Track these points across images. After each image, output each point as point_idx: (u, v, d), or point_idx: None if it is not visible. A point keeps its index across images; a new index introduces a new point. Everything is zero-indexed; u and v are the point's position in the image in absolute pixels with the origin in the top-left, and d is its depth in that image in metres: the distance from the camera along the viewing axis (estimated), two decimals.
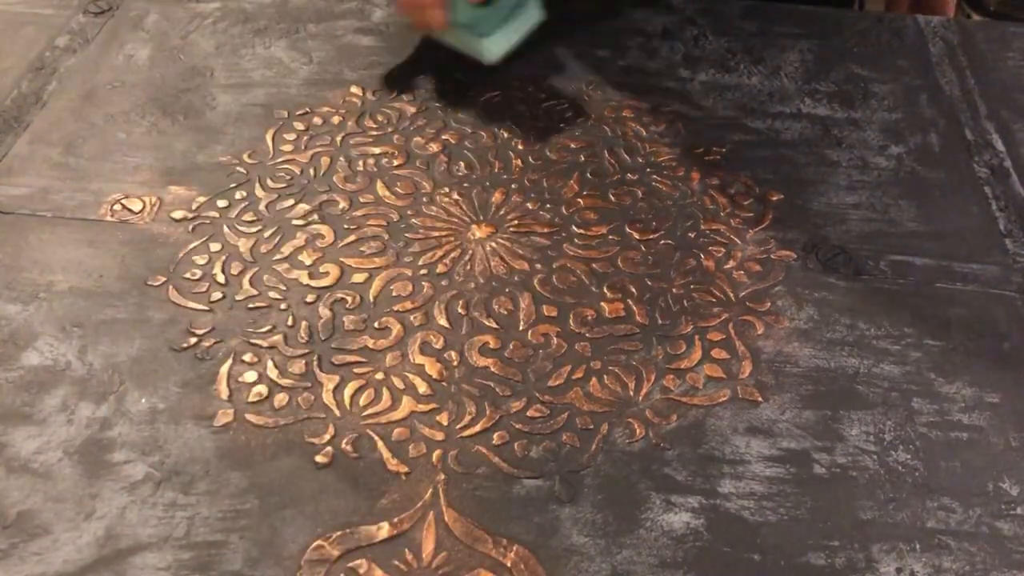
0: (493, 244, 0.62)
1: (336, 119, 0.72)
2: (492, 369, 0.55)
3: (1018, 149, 0.72)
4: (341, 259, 0.61)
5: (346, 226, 0.63)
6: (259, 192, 0.65)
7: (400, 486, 0.49)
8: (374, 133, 0.71)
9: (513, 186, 0.67)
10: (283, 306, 0.58)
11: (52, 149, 0.68)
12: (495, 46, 0.70)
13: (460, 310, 0.58)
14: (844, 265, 0.62)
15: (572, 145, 0.70)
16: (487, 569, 0.46)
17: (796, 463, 0.51)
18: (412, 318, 0.57)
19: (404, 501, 0.48)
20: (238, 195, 0.65)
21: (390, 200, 0.65)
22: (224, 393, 0.53)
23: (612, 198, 0.66)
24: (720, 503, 0.49)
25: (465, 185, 0.67)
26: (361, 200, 0.65)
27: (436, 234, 0.63)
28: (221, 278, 0.59)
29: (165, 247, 0.61)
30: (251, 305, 0.58)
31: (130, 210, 0.64)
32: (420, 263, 0.61)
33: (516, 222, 0.64)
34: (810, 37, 0.83)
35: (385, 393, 0.53)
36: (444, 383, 0.54)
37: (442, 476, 0.50)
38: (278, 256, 0.61)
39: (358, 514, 0.48)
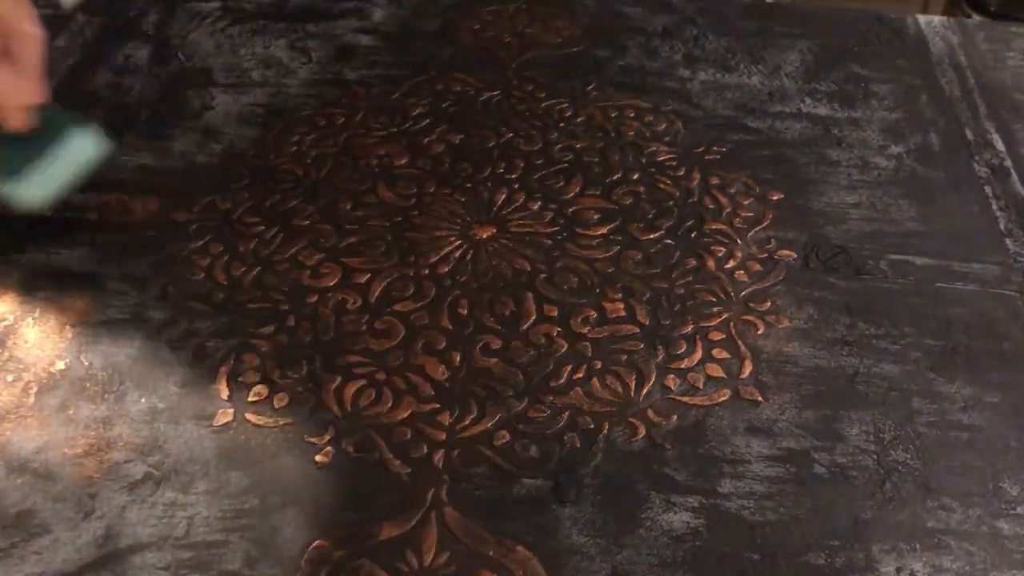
0: (495, 244, 0.62)
1: (337, 119, 0.72)
2: (494, 369, 0.55)
3: (1018, 149, 0.72)
4: (343, 259, 0.61)
5: (348, 226, 0.63)
6: (260, 192, 0.65)
7: (401, 486, 0.49)
8: (376, 133, 0.71)
9: (515, 186, 0.67)
10: (284, 306, 0.58)
11: None
12: (33, 190, 0.57)
13: (462, 310, 0.58)
14: (844, 265, 0.62)
15: (573, 145, 0.70)
16: (488, 569, 0.46)
17: (796, 463, 0.51)
18: (414, 318, 0.57)
19: (404, 501, 0.48)
20: (239, 195, 0.65)
21: (392, 200, 0.65)
22: (224, 393, 0.53)
23: (613, 198, 0.66)
24: (720, 503, 0.49)
25: (467, 185, 0.67)
26: (363, 200, 0.65)
27: (438, 234, 0.63)
28: (222, 278, 0.59)
29: (165, 247, 0.61)
30: (252, 305, 0.58)
31: (130, 210, 0.64)
32: (422, 263, 0.61)
33: (518, 222, 0.64)
34: (810, 37, 0.83)
35: (386, 393, 0.53)
36: (446, 383, 0.54)
37: (443, 476, 0.50)
38: (279, 256, 0.61)
39: (358, 514, 0.48)
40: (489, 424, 0.52)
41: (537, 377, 0.54)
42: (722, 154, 0.70)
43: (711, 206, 0.66)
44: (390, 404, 0.53)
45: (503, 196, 0.66)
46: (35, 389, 0.53)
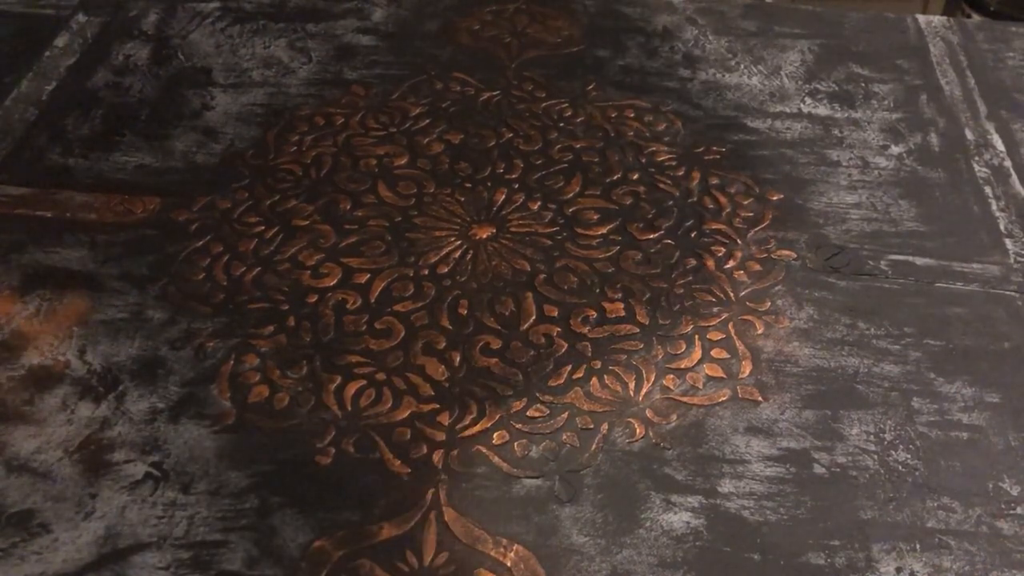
0: (495, 244, 0.62)
1: (337, 119, 0.72)
2: (493, 369, 0.55)
3: (1018, 149, 0.72)
4: (343, 259, 0.61)
5: (348, 226, 0.63)
6: (260, 192, 0.65)
7: (400, 486, 0.49)
8: (375, 133, 0.71)
9: (515, 186, 0.67)
10: (284, 306, 0.58)
11: (52, 149, 0.68)
12: None
13: (462, 310, 0.58)
14: (844, 265, 0.62)
15: (573, 145, 0.70)
16: (487, 569, 0.46)
17: (796, 463, 0.51)
18: (414, 318, 0.57)
19: (404, 501, 0.48)
20: (239, 195, 0.65)
21: (392, 200, 0.65)
22: (225, 393, 0.53)
23: (613, 198, 0.66)
24: (720, 503, 0.49)
25: (467, 185, 0.67)
26: (363, 200, 0.65)
27: (438, 234, 0.63)
28: (222, 278, 0.59)
29: (165, 247, 0.61)
30: (252, 305, 0.58)
31: (130, 210, 0.64)
32: (422, 263, 0.61)
33: (517, 222, 0.64)
34: (810, 37, 0.83)
35: (386, 393, 0.53)
36: (445, 383, 0.54)
37: (442, 476, 0.50)
38: (279, 256, 0.61)
39: (358, 514, 0.48)
40: (489, 424, 0.52)
41: (537, 377, 0.54)
42: (722, 154, 0.70)
43: (711, 206, 0.66)
44: (390, 404, 0.53)
45: (503, 196, 0.66)
46: (35, 389, 0.53)
